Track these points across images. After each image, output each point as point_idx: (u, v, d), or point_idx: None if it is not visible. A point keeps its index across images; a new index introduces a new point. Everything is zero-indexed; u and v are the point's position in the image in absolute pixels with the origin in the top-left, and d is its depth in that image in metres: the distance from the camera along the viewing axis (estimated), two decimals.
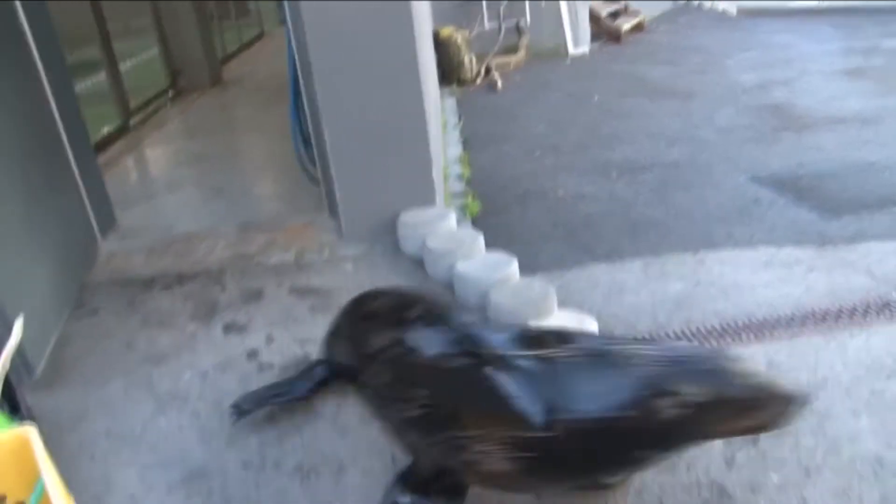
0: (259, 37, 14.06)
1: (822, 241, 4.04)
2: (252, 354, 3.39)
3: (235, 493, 2.62)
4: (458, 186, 5.01)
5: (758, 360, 2.99)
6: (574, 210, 4.59)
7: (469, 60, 8.39)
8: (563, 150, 5.75)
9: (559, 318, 3.14)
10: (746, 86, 7.69)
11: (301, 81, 4.27)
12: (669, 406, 1.88)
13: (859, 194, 4.71)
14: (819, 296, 3.49)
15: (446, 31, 8.20)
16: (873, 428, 2.61)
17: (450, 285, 3.65)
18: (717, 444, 2.54)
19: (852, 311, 3.34)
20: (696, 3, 15.29)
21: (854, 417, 2.68)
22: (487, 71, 8.51)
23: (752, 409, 1.95)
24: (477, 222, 4.45)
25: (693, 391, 1.89)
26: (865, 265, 3.77)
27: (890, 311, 3.35)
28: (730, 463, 2.51)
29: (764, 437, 2.55)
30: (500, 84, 8.11)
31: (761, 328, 3.23)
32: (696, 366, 1.98)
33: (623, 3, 11.46)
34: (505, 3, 9.23)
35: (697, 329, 3.24)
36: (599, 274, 3.75)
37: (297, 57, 4.18)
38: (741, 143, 5.81)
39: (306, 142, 4.72)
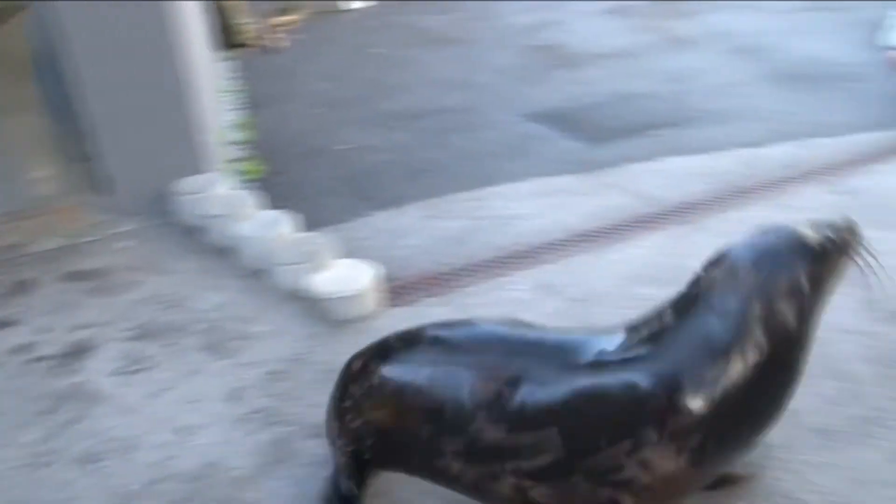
0: (19, 9, 12.86)
1: (589, 167, 4.32)
2: (22, 349, 3.17)
3: (12, 496, 2.46)
4: (240, 150, 4.88)
5: (532, 281, 3.18)
6: (357, 162, 4.61)
7: (247, 22, 8.12)
8: (345, 105, 5.74)
9: (339, 268, 3.16)
10: (520, 28, 7.98)
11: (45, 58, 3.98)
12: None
13: (622, 122, 5.06)
14: (586, 217, 3.73)
15: None
16: None
17: (229, 249, 3.57)
18: None
19: (615, 228, 3.61)
20: None
21: None
22: (267, 31, 8.29)
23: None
24: (260, 184, 4.36)
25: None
26: (625, 185, 4.07)
27: (646, 224, 3.64)
28: None
29: None
30: (280, 44, 7.92)
31: (536, 253, 3.41)
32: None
33: None
34: None
35: (477, 262, 3.37)
36: (382, 221, 3.80)
37: (48, 32, 3.89)
38: (516, 83, 6.05)
39: (65, 118, 4.41)
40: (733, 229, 3.49)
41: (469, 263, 3.38)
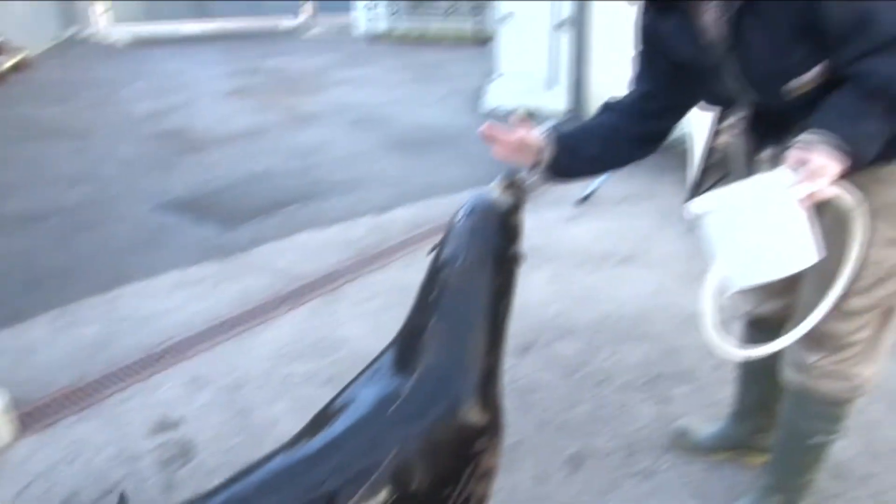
0: None
1: (227, 251, 4.37)
2: None
3: None
4: None
5: (181, 377, 3.13)
6: None
7: None
8: None
9: None
10: (144, 115, 7.82)
11: None
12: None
13: (254, 202, 5.19)
14: (228, 303, 3.76)
15: None
16: (289, 408, 2.93)
17: None
18: None
19: (258, 310, 3.69)
20: (86, 33, 14.96)
21: (271, 405, 2.97)
22: None
23: None
24: None
25: None
26: (264, 265, 4.19)
27: (288, 301, 3.78)
28: None
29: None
30: None
31: (182, 348, 3.36)
32: None
33: (1, 37, 10.57)
34: None
35: (121, 366, 3.23)
36: (5, 340, 3.46)
37: None
38: (145, 172, 5.91)
39: None
40: (371, 294, 3.81)
41: (112, 370, 3.21)
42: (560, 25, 6.39)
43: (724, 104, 1.95)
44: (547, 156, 2.00)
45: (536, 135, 2.01)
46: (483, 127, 2.03)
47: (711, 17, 1.70)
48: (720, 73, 1.76)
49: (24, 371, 3.21)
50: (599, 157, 2.07)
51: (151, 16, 16.79)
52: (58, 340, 3.46)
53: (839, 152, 1.49)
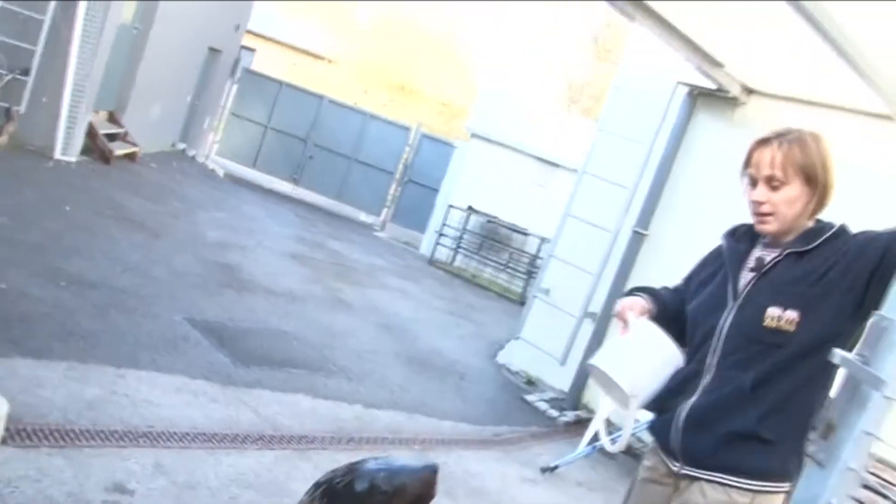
0: None
1: (230, 381, 4.83)
2: None
3: None
4: None
5: (149, 459, 3.51)
6: (14, 305, 4.67)
7: None
8: (19, 248, 5.77)
9: None
10: (209, 240, 8.61)
11: None
12: None
13: (269, 352, 5.71)
14: (212, 422, 4.18)
15: None
16: None
17: None
18: None
19: (234, 437, 4.09)
20: (192, 153, 16.40)
21: None
22: None
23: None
24: None
25: None
26: (255, 405, 4.62)
27: (262, 443, 4.19)
28: None
29: None
30: None
31: (157, 437, 3.76)
32: None
33: (124, 129, 11.82)
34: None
35: (103, 429, 3.63)
36: (22, 367, 3.91)
37: None
38: (188, 287, 6.53)
39: None
40: (330, 465, 4.17)
41: (94, 428, 3.61)
42: (587, 315, 7.07)
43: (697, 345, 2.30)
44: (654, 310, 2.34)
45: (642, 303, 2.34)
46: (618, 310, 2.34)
47: (760, 254, 2.21)
48: (728, 300, 2.21)
49: (27, 396, 3.64)
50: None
51: (251, 161, 18.36)
52: (64, 386, 3.90)
53: None
